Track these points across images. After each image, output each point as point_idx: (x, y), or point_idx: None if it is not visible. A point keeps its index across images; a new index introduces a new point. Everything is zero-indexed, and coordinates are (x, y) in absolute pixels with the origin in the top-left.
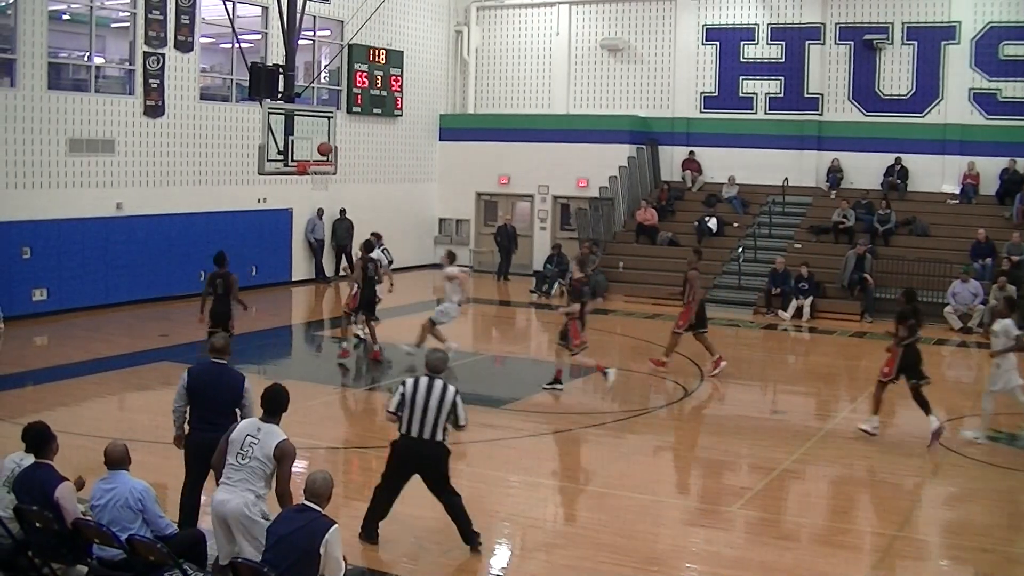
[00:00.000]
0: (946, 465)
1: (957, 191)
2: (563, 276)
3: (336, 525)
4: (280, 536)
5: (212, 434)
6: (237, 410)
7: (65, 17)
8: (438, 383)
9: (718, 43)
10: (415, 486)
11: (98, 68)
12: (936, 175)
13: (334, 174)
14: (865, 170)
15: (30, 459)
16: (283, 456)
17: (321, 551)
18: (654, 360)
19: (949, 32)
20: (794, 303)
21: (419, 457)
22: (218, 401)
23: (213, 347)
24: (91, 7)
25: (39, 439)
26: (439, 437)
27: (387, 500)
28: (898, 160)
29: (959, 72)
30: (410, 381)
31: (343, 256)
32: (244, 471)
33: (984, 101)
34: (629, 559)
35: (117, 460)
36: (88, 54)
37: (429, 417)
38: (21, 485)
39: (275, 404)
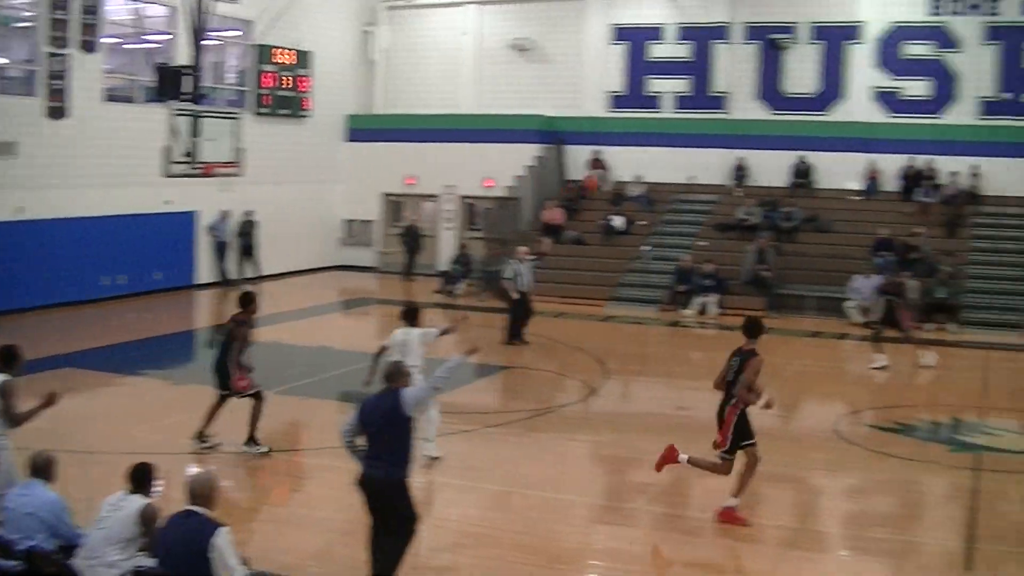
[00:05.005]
0: (849, 457)
1: (861, 188)
2: (469, 275)
3: (224, 528)
4: (169, 545)
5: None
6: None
7: None
8: None
9: (626, 42)
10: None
11: None
12: (840, 172)
13: (240, 176)
14: (770, 168)
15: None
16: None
17: (211, 555)
18: None
19: (853, 32)
20: (699, 300)
21: None
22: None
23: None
24: None
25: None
26: None
27: None
28: (802, 158)
29: (863, 71)
30: None
31: (248, 258)
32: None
33: (887, 99)
34: (535, 557)
35: (36, 469)
36: None
37: None
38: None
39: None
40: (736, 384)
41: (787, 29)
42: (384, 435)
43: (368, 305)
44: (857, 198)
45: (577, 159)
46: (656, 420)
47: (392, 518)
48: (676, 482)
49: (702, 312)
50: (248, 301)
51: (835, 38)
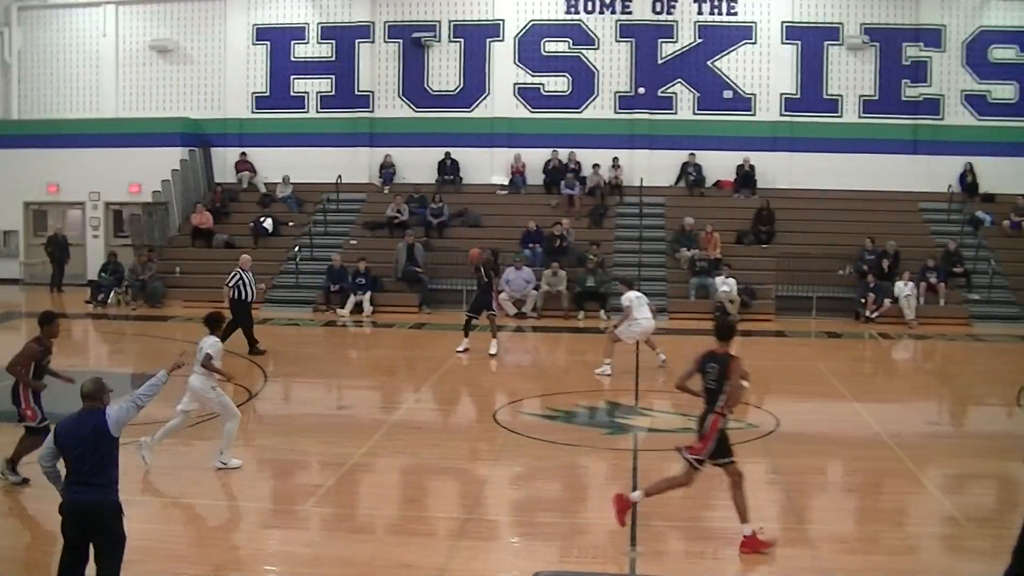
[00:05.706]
0: (511, 446)
1: (506, 182)
2: (119, 284)
3: None
4: None
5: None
6: None
7: None
8: None
9: (269, 43)
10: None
11: None
12: (486, 167)
13: None
14: (417, 165)
15: None
16: None
17: None
18: None
19: (494, 30)
20: (353, 299)
21: None
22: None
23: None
24: None
25: None
26: None
27: None
28: (448, 155)
29: (504, 68)
30: None
31: None
32: None
33: (528, 95)
34: (206, 568)
35: None
36: None
37: None
38: None
39: None
40: (720, 392)
41: (429, 27)
42: (91, 458)
43: (15, 319)
44: (504, 192)
45: (224, 161)
46: (318, 421)
47: (105, 543)
48: (343, 483)
49: (357, 311)
50: (47, 320)
51: (476, 36)
